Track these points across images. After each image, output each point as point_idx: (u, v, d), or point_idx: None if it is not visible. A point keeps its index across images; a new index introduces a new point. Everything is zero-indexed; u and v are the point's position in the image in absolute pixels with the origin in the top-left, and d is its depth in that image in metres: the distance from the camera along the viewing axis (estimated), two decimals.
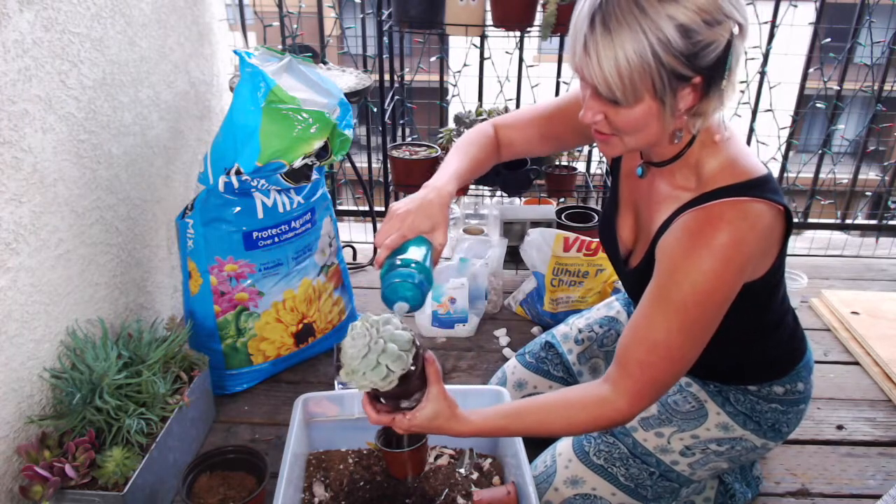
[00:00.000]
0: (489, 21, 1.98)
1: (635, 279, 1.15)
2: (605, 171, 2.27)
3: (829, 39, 2.27)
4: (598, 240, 1.83)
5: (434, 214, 1.02)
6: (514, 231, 2.28)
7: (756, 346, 1.16)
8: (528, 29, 1.97)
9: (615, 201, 1.23)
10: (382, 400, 1.02)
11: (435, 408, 1.01)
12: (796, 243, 2.55)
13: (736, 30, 0.87)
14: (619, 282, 1.66)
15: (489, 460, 1.42)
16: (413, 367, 0.96)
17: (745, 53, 0.96)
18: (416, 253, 1.00)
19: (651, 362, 0.99)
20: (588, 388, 1.06)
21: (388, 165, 2.23)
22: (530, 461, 1.25)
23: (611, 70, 0.86)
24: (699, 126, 0.95)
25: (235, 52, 1.56)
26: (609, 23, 0.85)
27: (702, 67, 0.87)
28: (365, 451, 1.45)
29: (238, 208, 1.55)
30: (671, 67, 0.86)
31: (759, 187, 0.96)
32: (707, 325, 0.98)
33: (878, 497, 1.27)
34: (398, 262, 0.98)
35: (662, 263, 1.00)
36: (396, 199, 2.21)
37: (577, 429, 1.08)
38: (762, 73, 2.25)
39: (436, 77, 2.42)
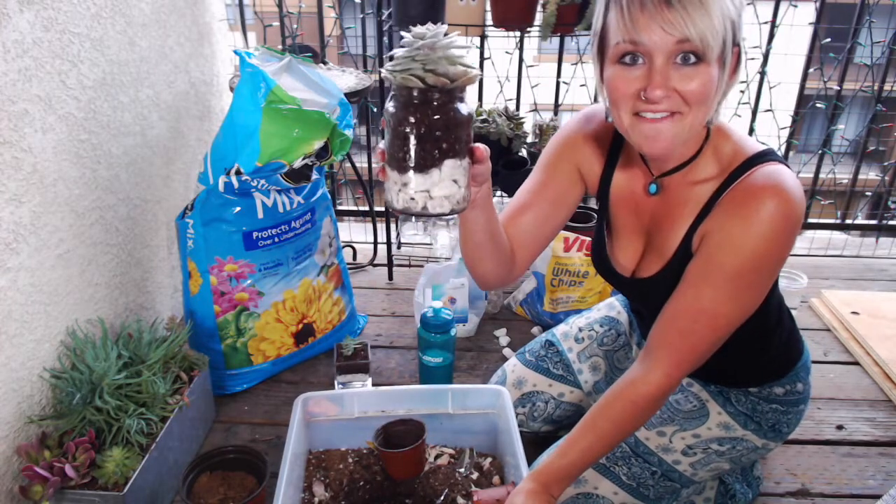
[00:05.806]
0: (489, 21, 1.98)
1: (651, 285, 1.12)
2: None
3: (829, 39, 2.26)
4: None
5: None
6: None
7: (756, 347, 1.16)
8: (528, 29, 1.96)
9: (605, 230, 1.20)
10: None
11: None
12: (796, 243, 2.55)
13: None
14: None
15: (489, 460, 1.42)
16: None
17: (746, 52, 0.97)
18: None
19: (694, 329, 1.00)
20: (617, 382, 1.07)
21: None
22: (530, 461, 1.25)
23: (708, 21, 0.86)
24: (719, 104, 0.97)
25: (235, 52, 1.56)
26: None
27: (738, 38, 0.90)
28: (365, 451, 1.45)
29: (238, 208, 1.55)
30: (733, 28, 0.89)
31: (771, 154, 1.01)
32: (759, 290, 1.00)
33: (878, 497, 1.27)
34: None
35: (711, 241, 1.00)
36: None
37: (623, 422, 1.05)
38: (762, 73, 2.25)
39: None
